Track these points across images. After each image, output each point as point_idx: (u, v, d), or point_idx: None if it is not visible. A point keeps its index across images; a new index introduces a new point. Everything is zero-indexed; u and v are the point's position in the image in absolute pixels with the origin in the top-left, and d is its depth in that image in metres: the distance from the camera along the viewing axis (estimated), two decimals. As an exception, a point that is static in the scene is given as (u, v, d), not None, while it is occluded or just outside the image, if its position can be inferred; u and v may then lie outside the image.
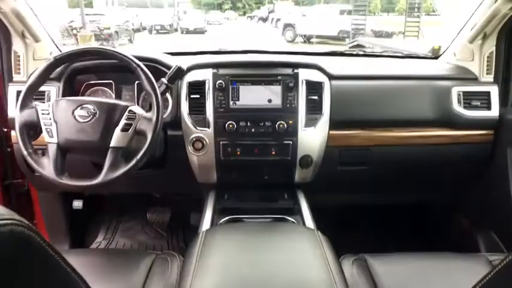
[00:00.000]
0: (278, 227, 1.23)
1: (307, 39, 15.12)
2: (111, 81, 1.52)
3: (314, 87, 1.47)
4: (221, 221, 1.31)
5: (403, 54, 2.03)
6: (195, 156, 1.47)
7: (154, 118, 1.14)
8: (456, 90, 1.52)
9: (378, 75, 1.57)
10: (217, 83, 1.43)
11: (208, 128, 1.44)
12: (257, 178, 1.54)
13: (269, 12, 24.74)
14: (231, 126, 1.42)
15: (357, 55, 2.15)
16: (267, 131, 1.45)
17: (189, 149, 1.45)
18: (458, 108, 1.52)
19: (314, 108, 1.46)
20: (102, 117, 1.14)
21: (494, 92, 1.53)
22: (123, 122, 1.15)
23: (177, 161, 1.50)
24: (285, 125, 1.43)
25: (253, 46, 1.85)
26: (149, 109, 1.19)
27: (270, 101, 1.46)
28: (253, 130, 1.45)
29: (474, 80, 1.58)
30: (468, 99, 1.52)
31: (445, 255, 1.22)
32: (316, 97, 1.47)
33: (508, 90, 1.55)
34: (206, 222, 1.31)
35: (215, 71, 1.46)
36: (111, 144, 1.13)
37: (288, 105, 1.45)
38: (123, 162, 1.14)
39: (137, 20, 17.61)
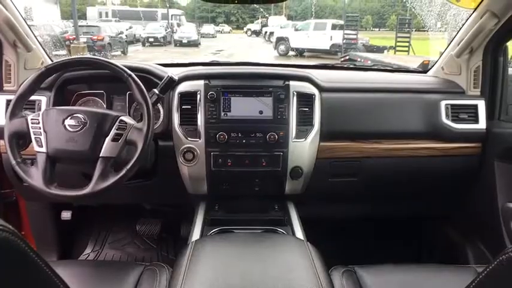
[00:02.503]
0: (268, 238, 1.23)
1: (300, 53, 15.30)
2: (102, 91, 1.52)
3: (305, 99, 1.48)
4: (211, 232, 1.30)
5: (393, 68, 2.06)
6: (185, 167, 1.47)
7: (145, 128, 1.15)
8: (444, 103, 1.55)
9: (368, 88, 1.59)
10: (208, 94, 1.44)
11: (199, 138, 1.44)
12: (248, 189, 1.54)
13: (262, 26, 25.02)
14: (222, 137, 1.43)
15: (348, 68, 2.19)
16: (258, 142, 1.46)
17: (180, 159, 1.45)
18: (446, 121, 1.54)
19: (305, 120, 1.48)
20: (93, 126, 1.14)
21: (481, 105, 1.56)
22: (113, 131, 1.15)
23: (168, 171, 1.49)
24: (276, 136, 1.44)
25: (246, 58, 1.87)
26: (140, 119, 1.19)
27: (261, 112, 1.47)
28: (244, 141, 1.46)
29: (461, 93, 1.61)
30: (456, 112, 1.55)
31: (434, 267, 1.23)
32: (307, 109, 1.48)
33: (495, 103, 1.58)
34: (196, 233, 1.30)
35: (207, 82, 1.47)
36: (101, 154, 1.13)
37: (279, 117, 1.46)
38: (113, 172, 1.14)
39: (131, 32, 17.67)
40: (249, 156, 1.46)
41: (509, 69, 1.59)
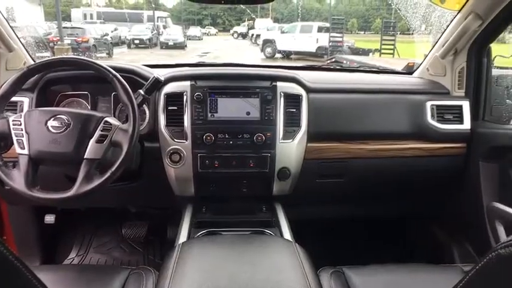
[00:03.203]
0: (256, 239, 1.22)
1: (287, 55, 15.38)
2: (86, 92, 1.50)
3: (292, 100, 1.48)
4: (198, 234, 1.29)
5: (379, 70, 2.08)
6: (172, 169, 1.45)
7: (130, 130, 1.13)
8: (430, 104, 1.57)
9: (355, 89, 1.60)
10: (195, 95, 1.43)
11: (186, 140, 1.43)
12: (235, 191, 1.53)
13: (249, 29, 25.11)
14: (209, 138, 1.42)
15: (334, 69, 2.19)
16: (245, 143, 1.45)
17: (166, 161, 1.43)
18: (432, 121, 1.56)
19: (292, 120, 1.48)
20: (77, 128, 1.12)
21: (466, 106, 1.58)
22: (98, 133, 1.12)
23: (154, 173, 1.47)
24: (263, 137, 1.43)
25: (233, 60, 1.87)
26: (126, 121, 1.17)
27: (248, 113, 1.46)
28: (231, 142, 1.45)
29: (446, 94, 1.63)
30: (441, 113, 1.57)
31: (421, 267, 1.24)
32: (294, 110, 1.48)
33: (479, 104, 1.60)
34: (183, 236, 1.28)
35: (193, 82, 1.46)
36: (86, 156, 1.10)
37: (266, 118, 1.46)
38: (98, 174, 1.12)
39: (116, 34, 17.52)
40: (236, 157, 1.45)
41: (493, 70, 1.61)
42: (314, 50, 14.75)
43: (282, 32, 16.16)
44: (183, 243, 1.15)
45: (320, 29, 15.19)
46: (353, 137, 1.55)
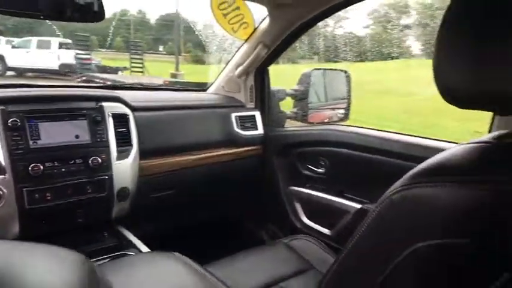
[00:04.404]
0: (124, 262, 1.19)
1: (20, 73, 13.43)
2: None
3: (121, 120, 1.49)
4: None
5: (177, 87, 2.27)
6: None
7: None
8: (234, 115, 1.87)
9: (174, 106, 1.73)
10: (9, 121, 1.24)
11: (5, 174, 1.22)
12: (70, 222, 1.40)
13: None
14: (36, 168, 1.26)
15: (134, 88, 2.23)
16: (79, 169, 1.36)
17: None
18: (237, 129, 1.86)
19: (124, 140, 1.48)
20: None
21: (258, 115, 1.97)
22: None
23: None
24: (98, 159, 1.39)
25: None
26: None
27: (77, 136, 1.38)
28: (63, 170, 1.33)
29: (242, 107, 1.98)
30: (243, 122, 1.90)
31: (258, 250, 1.48)
32: (124, 129, 1.49)
33: (265, 113, 2.01)
34: None
35: (3, 107, 1.26)
36: None
37: (98, 140, 1.41)
38: None
39: None
40: (71, 185, 1.34)
41: (271, 87, 2.05)
42: (57, 68, 13.46)
43: (13, 47, 14.03)
44: None
45: (61, 45, 14.01)
46: (179, 150, 1.68)
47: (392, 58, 14.17)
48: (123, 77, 11.56)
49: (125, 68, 13.93)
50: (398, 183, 0.59)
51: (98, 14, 1.15)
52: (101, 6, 1.14)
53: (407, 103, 9.02)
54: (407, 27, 16.28)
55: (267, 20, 1.74)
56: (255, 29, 1.81)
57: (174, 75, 12.99)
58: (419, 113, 8.03)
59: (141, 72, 12.79)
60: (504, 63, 0.48)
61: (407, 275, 0.56)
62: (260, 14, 1.76)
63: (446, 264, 0.54)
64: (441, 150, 0.61)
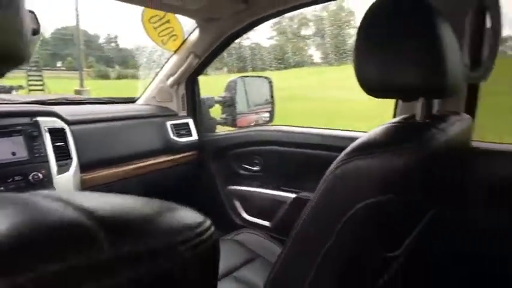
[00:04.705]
0: None
1: None
2: None
3: (58, 134, 1.48)
4: None
5: (105, 100, 2.25)
6: None
7: None
8: (169, 123, 1.94)
9: (109, 118, 1.74)
10: None
11: None
12: None
13: None
14: None
15: (64, 103, 2.17)
16: (19, 186, 1.32)
17: None
18: (173, 137, 1.93)
19: (62, 154, 1.47)
20: None
21: (191, 122, 2.05)
22: None
23: None
24: (39, 175, 1.37)
25: None
26: None
27: (14, 153, 1.34)
28: (1, 188, 1.28)
29: (175, 115, 2.05)
30: (178, 130, 1.97)
31: None
32: (62, 143, 1.48)
33: (197, 120, 2.11)
34: None
35: None
36: None
37: (36, 155, 1.39)
38: None
39: None
40: None
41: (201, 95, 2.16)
42: None
43: None
44: None
45: None
46: (119, 161, 1.70)
47: (294, 67, 15.17)
48: (21, 96, 10.61)
49: (20, 87, 12.77)
50: (338, 159, 0.70)
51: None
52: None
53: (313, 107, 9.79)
54: (307, 37, 17.58)
55: (197, 32, 1.85)
56: (185, 40, 1.91)
57: (78, 92, 12.28)
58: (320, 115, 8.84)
59: (41, 90, 11.86)
60: (402, 64, 0.72)
61: (346, 239, 0.68)
62: (189, 27, 1.87)
63: (378, 221, 0.69)
64: (355, 138, 0.74)
